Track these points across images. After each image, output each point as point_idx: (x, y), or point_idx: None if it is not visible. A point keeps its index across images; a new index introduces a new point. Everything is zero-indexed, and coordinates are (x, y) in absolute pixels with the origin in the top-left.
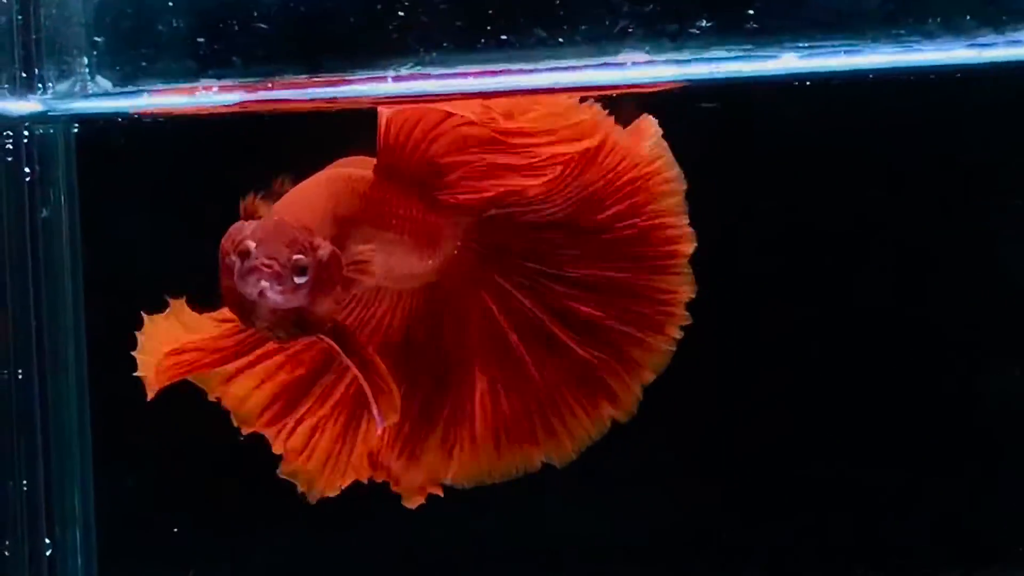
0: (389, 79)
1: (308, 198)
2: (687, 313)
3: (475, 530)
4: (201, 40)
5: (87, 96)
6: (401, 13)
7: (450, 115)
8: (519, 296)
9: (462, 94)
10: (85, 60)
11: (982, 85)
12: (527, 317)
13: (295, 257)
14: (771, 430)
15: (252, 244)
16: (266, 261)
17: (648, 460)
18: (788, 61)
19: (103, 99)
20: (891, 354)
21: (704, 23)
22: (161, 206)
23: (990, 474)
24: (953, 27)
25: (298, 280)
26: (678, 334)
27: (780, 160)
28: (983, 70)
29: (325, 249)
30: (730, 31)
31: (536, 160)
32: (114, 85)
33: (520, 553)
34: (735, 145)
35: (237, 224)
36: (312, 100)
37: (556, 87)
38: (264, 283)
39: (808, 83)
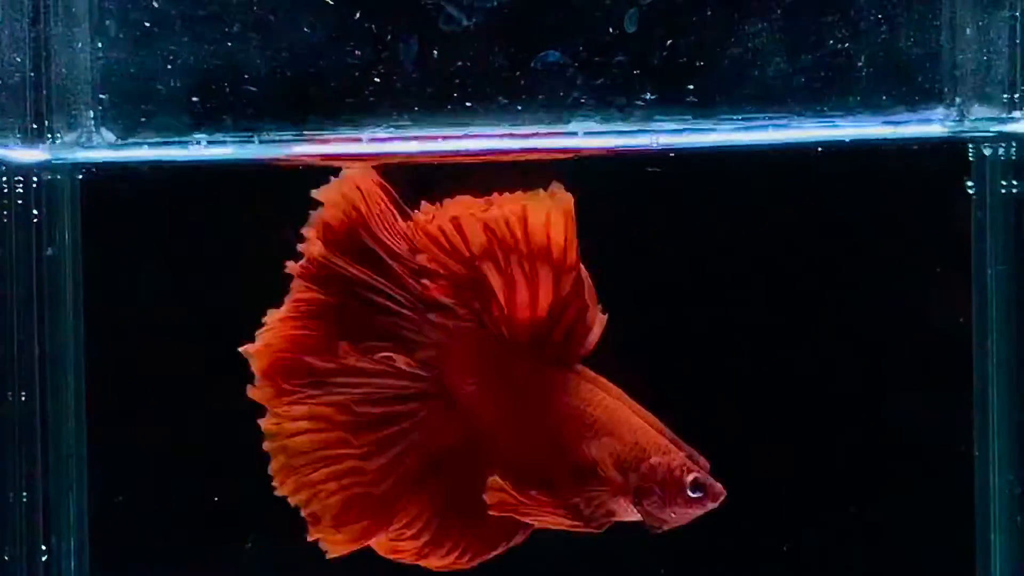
0: (365, 139)
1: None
2: None
3: None
4: (196, 99)
5: (91, 147)
6: (377, 80)
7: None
8: None
9: (432, 154)
10: (91, 114)
11: (896, 158)
12: None
13: None
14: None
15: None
16: None
17: None
18: (724, 135)
19: (106, 150)
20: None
21: (649, 96)
22: (156, 247)
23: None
24: (872, 105)
25: None
26: None
27: (712, 218)
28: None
29: None
30: (672, 104)
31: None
32: (116, 137)
33: None
34: (674, 204)
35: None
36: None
37: (513, 149)
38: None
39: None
